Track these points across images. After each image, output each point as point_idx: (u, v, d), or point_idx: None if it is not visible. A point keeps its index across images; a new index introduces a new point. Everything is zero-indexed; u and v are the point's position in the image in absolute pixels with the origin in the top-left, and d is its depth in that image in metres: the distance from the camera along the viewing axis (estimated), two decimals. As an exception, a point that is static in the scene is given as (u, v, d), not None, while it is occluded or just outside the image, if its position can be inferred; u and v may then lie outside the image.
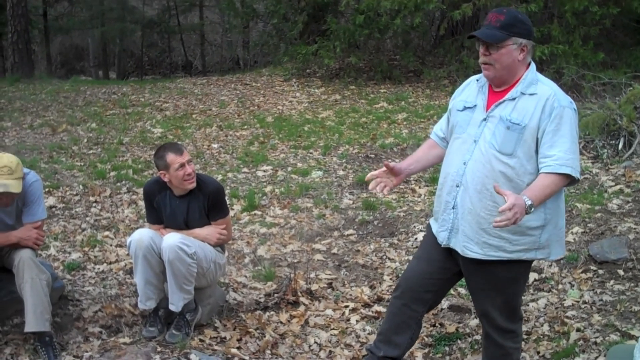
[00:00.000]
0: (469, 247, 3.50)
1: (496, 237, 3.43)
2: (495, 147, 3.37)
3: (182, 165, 4.56)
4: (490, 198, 3.38)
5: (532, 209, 3.14)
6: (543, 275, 5.41)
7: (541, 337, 4.60)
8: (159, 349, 4.42)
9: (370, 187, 3.74)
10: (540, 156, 3.32)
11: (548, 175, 3.28)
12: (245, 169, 8.75)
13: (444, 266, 3.75)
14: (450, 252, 3.67)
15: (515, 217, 3.07)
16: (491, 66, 3.40)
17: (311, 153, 9.41)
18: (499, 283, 3.57)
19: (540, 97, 3.34)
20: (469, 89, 3.66)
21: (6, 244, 4.47)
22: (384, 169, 3.71)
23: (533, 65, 3.47)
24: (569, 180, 3.32)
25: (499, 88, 3.48)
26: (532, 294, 5.18)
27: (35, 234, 4.48)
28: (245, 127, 11.23)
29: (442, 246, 3.64)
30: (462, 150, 3.52)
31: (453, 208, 3.54)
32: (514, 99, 3.39)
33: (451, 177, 3.54)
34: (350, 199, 7.49)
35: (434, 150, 3.88)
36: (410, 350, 4.40)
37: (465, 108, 3.59)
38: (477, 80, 3.61)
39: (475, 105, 3.55)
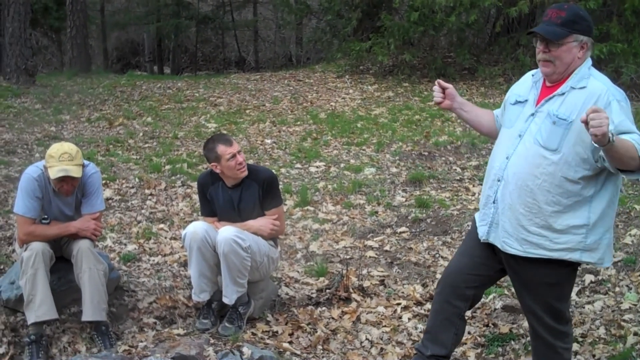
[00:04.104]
0: (509, 243, 3.45)
1: (536, 234, 3.36)
2: (540, 142, 3.31)
3: (234, 156, 4.60)
4: (529, 195, 3.33)
5: (612, 140, 2.90)
6: (599, 278, 5.31)
7: (597, 340, 4.51)
8: (212, 341, 4.45)
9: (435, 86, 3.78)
10: None
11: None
12: (298, 165, 8.77)
13: (485, 262, 3.69)
14: (493, 248, 3.61)
15: (603, 119, 2.83)
16: (550, 63, 3.33)
17: (364, 150, 9.38)
18: (540, 284, 3.49)
19: (591, 91, 3.25)
20: (524, 84, 3.61)
21: (65, 234, 4.57)
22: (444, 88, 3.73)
23: (588, 61, 3.37)
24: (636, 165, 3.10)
25: (553, 83, 3.41)
26: (588, 296, 5.09)
27: (93, 225, 4.56)
28: (298, 123, 11.26)
29: (482, 241, 3.60)
30: (507, 145, 3.47)
31: (494, 202, 3.50)
32: (563, 93, 3.32)
33: (494, 171, 3.51)
34: (403, 197, 7.45)
35: (489, 121, 3.86)
36: (463, 350, 4.37)
37: (517, 102, 3.55)
38: (533, 75, 3.55)
39: (526, 100, 3.50)
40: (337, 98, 13.49)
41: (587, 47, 3.31)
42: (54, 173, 4.30)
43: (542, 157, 3.29)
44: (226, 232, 4.50)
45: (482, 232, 3.59)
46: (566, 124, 3.24)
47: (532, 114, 3.41)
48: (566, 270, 3.47)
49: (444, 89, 3.74)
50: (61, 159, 4.31)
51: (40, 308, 4.29)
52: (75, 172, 4.34)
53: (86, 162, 4.60)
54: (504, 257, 3.55)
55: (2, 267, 5.35)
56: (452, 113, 10.24)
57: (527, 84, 3.57)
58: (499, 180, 3.46)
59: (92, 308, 4.41)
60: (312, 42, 21.77)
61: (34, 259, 4.30)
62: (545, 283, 3.47)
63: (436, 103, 3.78)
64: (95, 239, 4.66)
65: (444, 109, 3.83)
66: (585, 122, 2.90)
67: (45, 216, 4.52)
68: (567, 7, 3.33)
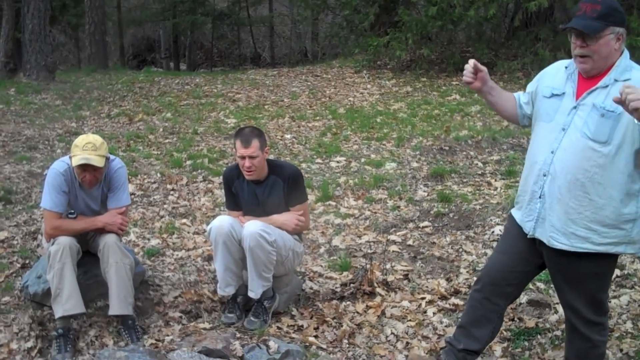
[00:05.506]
0: (555, 238, 3.43)
1: (585, 228, 3.34)
2: (589, 135, 3.27)
3: (243, 157, 4.63)
4: (580, 188, 3.31)
5: None
6: (625, 272, 5.27)
7: (624, 334, 4.49)
8: (238, 335, 4.46)
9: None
10: None
11: None
12: (318, 160, 8.77)
13: (526, 258, 3.68)
14: (533, 244, 3.60)
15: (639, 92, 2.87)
16: (589, 58, 3.29)
17: (384, 145, 9.37)
18: (584, 277, 3.49)
19: (636, 83, 3.17)
20: (557, 76, 3.55)
21: (92, 229, 4.59)
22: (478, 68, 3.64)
23: (626, 52, 3.35)
24: None
25: (590, 77, 3.38)
26: (614, 290, 5.05)
27: (119, 219, 4.58)
28: (317, 118, 11.26)
29: (528, 237, 3.58)
30: (550, 139, 3.43)
31: (540, 197, 3.47)
32: (606, 86, 3.29)
33: (538, 166, 3.47)
34: (425, 191, 7.43)
35: (512, 107, 3.78)
36: (489, 344, 4.34)
37: (552, 95, 3.50)
38: (566, 67, 3.51)
39: (563, 93, 3.45)
40: (356, 93, 13.47)
41: (622, 38, 3.28)
42: (76, 161, 4.33)
43: (592, 150, 3.26)
44: (252, 227, 4.50)
45: (528, 228, 3.56)
46: (615, 115, 3.21)
47: (575, 107, 3.37)
48: (609, 259, 3.47)
49: (477, 71, 3.65)
50: (85, 148, 4.34)
51: (67, 302, 4.31)
52: (97, 162, 4.35)
53: (112, 156, 4.62)
54: (546, 252, 3.54)
55: (27, 261, 5.38)
56: (471, 107, 10.07)
57: (560, 76, 3.51)
58: (544, 175, 3.43)
59: (119, 302, 4.43)
60: (329, 37, 21.76)
61: (61, 253, 4.32)
62: (590, 274, 3.46)
63: (466, 82, 3.69)
64: (121, 234, 4.68)
65: (473, 89, 3.78)
66: (621, 102, 2.90)
67: (72, 211, 4.54)
68: (601, 0, 3.29)
